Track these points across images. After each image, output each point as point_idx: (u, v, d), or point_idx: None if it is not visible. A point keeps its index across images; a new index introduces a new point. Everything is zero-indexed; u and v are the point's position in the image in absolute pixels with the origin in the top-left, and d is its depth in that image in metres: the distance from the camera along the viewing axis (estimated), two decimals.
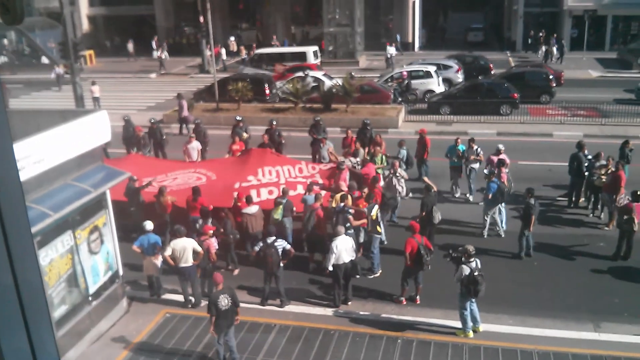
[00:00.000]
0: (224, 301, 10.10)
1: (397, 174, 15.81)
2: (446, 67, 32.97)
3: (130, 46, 48.66)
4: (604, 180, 15.53)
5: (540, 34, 43.70)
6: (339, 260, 11.89)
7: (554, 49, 41.16)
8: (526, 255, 14.05)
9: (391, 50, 40.14)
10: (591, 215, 16.34)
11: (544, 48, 41.65)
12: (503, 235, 15.02)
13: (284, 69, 35.62)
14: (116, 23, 55.32)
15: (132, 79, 41.35)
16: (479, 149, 17.12)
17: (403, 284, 12.27)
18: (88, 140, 11.14)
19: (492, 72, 34.02)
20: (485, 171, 15.75)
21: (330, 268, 11.97)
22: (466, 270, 10.69)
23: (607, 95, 29.69)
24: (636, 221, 13.49)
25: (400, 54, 41.82)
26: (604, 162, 15.91)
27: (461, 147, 17.42)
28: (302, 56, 38.03)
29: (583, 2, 44.41)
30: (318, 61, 38.48)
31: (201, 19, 32.23)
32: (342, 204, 13.46)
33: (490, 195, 14.78)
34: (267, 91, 30.10)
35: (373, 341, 11.07)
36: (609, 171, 15.54)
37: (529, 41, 45.92)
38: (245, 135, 20.43)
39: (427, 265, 11.83)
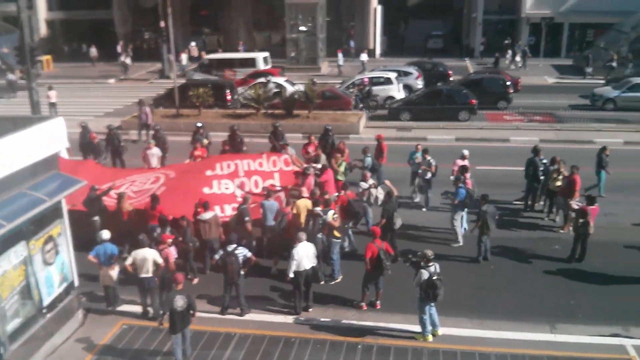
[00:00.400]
0: (179, 302, 10.17)
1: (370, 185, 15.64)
2: (406, 74, 33.33)
3: (93, 51, 47.76)
4: (557, 184, 15.91)
5: (506, 41, 44.51)
6: (300, 266, 11.87)
7: (518, 56, 41.99)
8: (484, 259, 14.26)
9: (341, 59, 41.50)
10: (546, 218, 16.71)
11: (510, 54, 42.46)
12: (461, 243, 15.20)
13: (233, 75, 35.95)
14: (74, 28, 54.36)
15: (90, 85, 40.61)
16: (431, 160, 17.22)
17: (364, 289, 12.34)
18: (43, 147, 10.89)
19: (451, 79, 34.58)
20: (452, 177, 15.90)
21: (291, 275, 11.94)
22: (425, 274, 10.81)
23: (562, 101, 30.54)
24: (591, 224, 13.85)
25: (361, 62, 42.12)
26: (556, 166, 16.30)
27: (420, 153, 17.63)
28: (252, 62, 38.06)
29: (540, 9, 45.54)
30: (268, 67, 38.51)
31: (162, 23, 31.88)
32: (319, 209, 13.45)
33: (457, 201, 14.88)
34: (229, 97, 29.97)
35: (334, 348, 11.09)
36: (562, 175, 15.94)
37: (481, 48, 46.83)
38: (205, 141, 20.26)
39: (387, 270, 11.90)
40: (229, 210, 14.68)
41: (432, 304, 11.09)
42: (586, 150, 22.56)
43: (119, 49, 45.85)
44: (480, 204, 14.18)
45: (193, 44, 47.95)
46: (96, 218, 14.40)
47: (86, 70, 45.44)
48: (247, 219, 13.75)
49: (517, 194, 17.82)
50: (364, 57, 41.46)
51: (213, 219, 13.65)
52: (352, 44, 47.85)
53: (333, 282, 13.45)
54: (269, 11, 53.21)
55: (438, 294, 10.78)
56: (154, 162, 18.86)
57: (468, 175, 15.93)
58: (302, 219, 13.57)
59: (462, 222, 15.39)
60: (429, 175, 17.12)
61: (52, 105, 29.26)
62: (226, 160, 16.48)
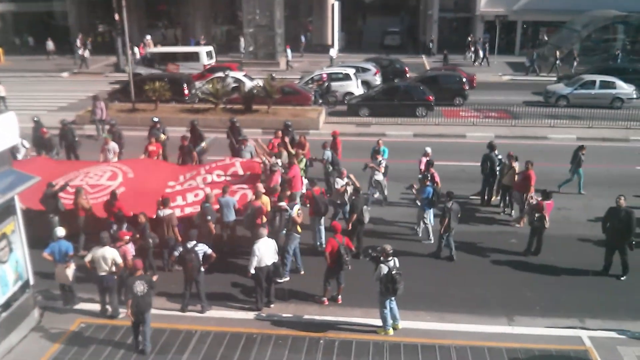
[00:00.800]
0: (140, 287, 10.41)
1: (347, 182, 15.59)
2: (364, 70, 33.53)
3: (49, 44, 46.40)
4: (515, 179, 16.25)
5: (469, 38, 45.32)
6: (261, 262, 11.83)
7: (480, 52, 42.79)
8: (449, 259, 14.27)
9: (289, 54, 41.69)
10: (502, 213, 17.06)
11: (472, 50, 43.33)
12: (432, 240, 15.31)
13: (176, 69, 35.83)
14: (26, 20, 52.81)
15: (43, 78, 39.52)
16: (381, 161, 17.28)
17: (325, 284, 12.39)
18: None
19: (408, 75, 34.93)
20: (420, 176, 15.96)
21: (253, 271, 11.89)
22: (384, 269, 10.90)
23: (517, 98, 31.20)
24: (547, 218, 14.20)
25: (329, 57, 42.24)
26: (505, 161, 16.69)
27: (384, 149, 17.75)
28: (195, 56, 37.85)
29: (494, 7, 46.39)
30: (212, 62, 38.38)
31: (116, 16, 31.19)
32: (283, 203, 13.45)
33: (424, 199, 14.94)
34: (186, 91, 29.59)
35: (296, 343, 11.08)
36: (512, 170, 16.35)
37: (431, 45, 47.59)
38: (163, 136, 19.95)
39: (347, 265, 11.99)
40: (191, 202, 14.57)
41: (393, 298, 11.20)
42: (540, 145, 23.20)
43: (78, 42, 44.60)
44: (445, 200, 14.28)
45: (148, 37, 47.12)
46: (53, 215, 14.02)
47: (39, 64, 44.22)
48: (209, 217, 13.62)
49: (473, 189, 18.13)
50: (332, 52, 42.13)
51: (170, 217, 13.44)
52: (303, 39, 47.86)
53: (282, 280, 13.29)
54: (227, 5, 52.80)
55: (397, 288, 10.89)
56: (110, 157, 18.47)
57: (433, 170, 16.10)
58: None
59: (430, 220, 15.46)
60: (379, 176, 17.11)
61: (2, 99, 28.38)
62: (190, 171, 16.43)
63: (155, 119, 20.83)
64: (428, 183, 15.13)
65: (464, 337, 11.25)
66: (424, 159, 17.04)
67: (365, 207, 14.35)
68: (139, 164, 16.94)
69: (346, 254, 11.90)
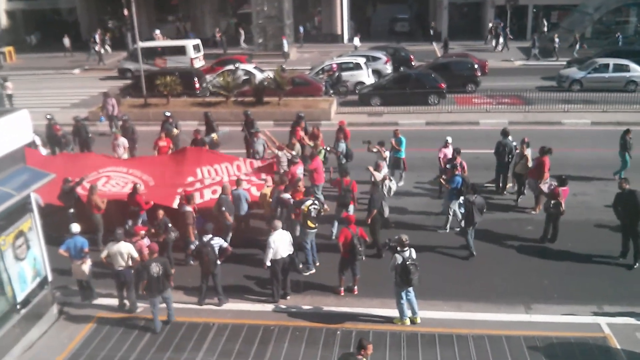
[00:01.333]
0: (155, 268, 10.98)
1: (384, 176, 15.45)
2: (375, 59, 33.34)
3: (66, 41, 46.49)
4: (529, 166, 16.09)
5: (491, 25, 44.75)
6: (276, 255, 11.85)
7: (501, 38, 42.27)
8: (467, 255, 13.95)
9: (285, 45, 41.08)
10: (516, 201, 16.84)
11: (493, 35, 42.92)
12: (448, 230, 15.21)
13: (164, 63, 35.83)
14: (35, 17, 53.07)
15: (55, 75, 39.71)
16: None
17: (340, 274, 12.39)
18: (9, 141, 10.61)
19: (413, 64, 34.66)
20: (448, 165, 15.70)
21: (268, 263, 11.91)
22: (399, 259, 10.85)
23: (529, 83, 30.92)
24: (563, 205, 14.07)
25: (354, 46, 42.18)
26: (519, 151, 16.49)
27: (402, 138, 17.65)
28: (182, 50, 37.26)
29: None
30: (200, 54, 38.19)
31: (125, 11, 31.23)
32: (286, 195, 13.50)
33: (452, 188, 14.72)
34: (197, 85, 29.61)
35: (313, 334, 11.10)
36: (524, 159, 16.15)
37: (431, 32, 47.32)
38: (175, 130, 20.00)
39: (361, 256, 11.98)
40: (208, 199, 14.67)
41: (411, 290, 11.14)
42: (554, 131, 22.98)
43: (96, 38, 44.75)
44: (468, 193, 13.88)
45: (157, 31, 47.22)
46: (71, 210, 14.13)
47: (50, 61, 44.41)
48: (223, 208, 13.65)
49: (488, 176, 18.00)
50: (356, 41, 42.16)
51: (187, 214, 13.46)
52: (301, 29, 47.65)
53: (307, 273, 13.41)
54: None
55: (412, 279, 10.82)
56: (120, 152, 18.56)
57: (460, 159, 15.90)
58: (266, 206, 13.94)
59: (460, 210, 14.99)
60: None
61: (9, 97, 28.54)
62: (205, 164, 16.35)
63: (168, 114, 20.88)
64: (458, 172, 14.89)
65: (482, 326, 11.20)
66: (445, 150, 16.89)
67: (383, 201, 14.11)
68: (156, 167, 16.82)
69: (359, 244, 11.88)
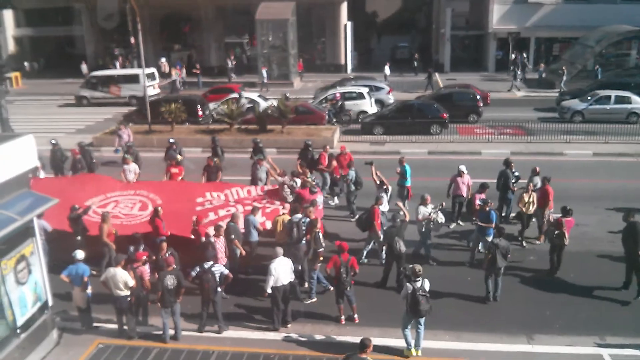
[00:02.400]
0: (170, 280, 11.42)
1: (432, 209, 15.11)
2: (378, 89, 33.69)
3: (84, 67, 47.05)
4: (529, 207, 15.84)
5: (513, 56, 44.90)
6: (277, 282, 11.82)
7: (518, 71, 42.04)
8: (493, 299, 13.22)
9: (265, 75, 41.43)
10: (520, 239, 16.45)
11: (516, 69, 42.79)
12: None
13: (118, 91, 36.90)
14: (42, 44, 53.80)
15: (60, 101, 40.05)
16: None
17: (338, 304, 12.30)
18: (14, 165, 10.71)
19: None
20: (479, 201, 15.35)
21: (269, 290, 11.88)
22: (409, 288, 10.76)
23: (531, 114, 31.10)
24: (567, 235, 14.03)
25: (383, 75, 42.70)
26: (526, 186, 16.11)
27: (406, 167, 17.74)
28: (135, 78, 36.72)
29: (507, 25, 46.55)
30: (155, 83, 38.34)
31: (132, 39, 31.68)
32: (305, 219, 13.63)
33: (493, 224, 14.41)
34: (200, 112, 29.86)
35: None
36: (532, 198, 15.82)
37: (415, 63, 47.86)
38: (179, 157, 20.12)
39: (346, 286, 11.91)
40: (223, 215, 14.91)
41: (421, 321, 11.01)
42: (556, 161, 23.05)
43: (117, 64, 45.41)
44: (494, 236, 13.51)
45: (163, 60, 47.80)
46: (79, 238, 14.17)
47: (56, 87, 44.80)
48: (232, 236, 13.67)
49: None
50: (387, 70, 42.63)
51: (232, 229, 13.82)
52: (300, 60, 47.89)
53: (309, 302, 13.31)
54: (241, 27, 53.40)
55: (420, 310, 10.72)
56: (131, 177, 18.66)
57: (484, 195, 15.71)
58: (280, 233, 13.86)
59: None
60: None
61: (5, 120, 28.68)
62: (215, 190, 16.57)
63: (172, 140, 21.02)
64: (489, 207, 14.64)
65: (483, 356, 11.12)
66: (460, 180, 16.99)
67: (397, 237, 13.49)
68: (163, 188, 17.13)
69: (346, 273, 11.79)
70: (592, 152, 24.17)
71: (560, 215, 14.36)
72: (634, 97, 30.07)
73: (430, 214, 14.66)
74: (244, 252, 14.00)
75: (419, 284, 10.81)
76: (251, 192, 16.74)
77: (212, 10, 49.97)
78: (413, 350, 11.18)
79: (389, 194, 16.26)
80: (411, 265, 11.23)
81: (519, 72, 41.78)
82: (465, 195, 17.06)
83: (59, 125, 31.95)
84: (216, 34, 51.47)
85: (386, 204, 15.68)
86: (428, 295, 10.85)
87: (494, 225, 14.37)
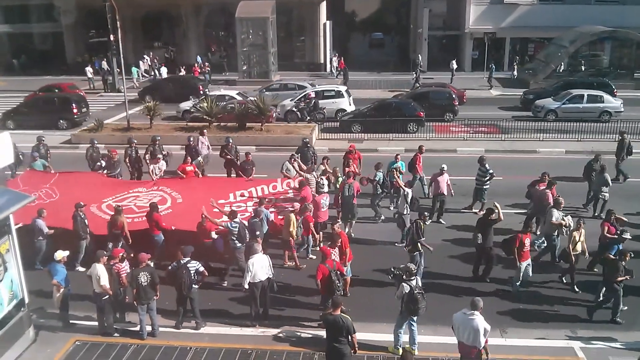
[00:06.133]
0: (143, 277, 11.45)
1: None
2: (301, 87, 34.49)
3: (89, 70, 45.55)
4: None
5: (517, 57, 46.29)
6: (255, 278, 11.89)
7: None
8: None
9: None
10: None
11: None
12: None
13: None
14: (22, 41, 53.33)
15: None
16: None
17: (324, 306, 12.01)
18: None
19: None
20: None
21: (246, 286, 11.95)
22: (406, 288, 10.75)
23: (506, 113, 31.54)
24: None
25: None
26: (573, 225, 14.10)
27: (401, 163, 17.96)
28: None
29: (483, 25, 47.07)
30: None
31: (112, 37, 31.47)
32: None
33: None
34: (75, 110, 30.27)
35: (291, 358, 11.12)
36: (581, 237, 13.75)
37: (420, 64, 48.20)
38: (164, 153, 19.98)
39: (339, 291, 11.71)
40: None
41: (414, 319, 11.07)
42: (529, 159, 23.46)
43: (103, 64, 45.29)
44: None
45: (146, 57, 47.70)
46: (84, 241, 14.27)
47: (35, 83, 44.17)
48: (257, 233, 13.71)
49: (465, 202, 18.34)
50: (453, 64, 43.19)
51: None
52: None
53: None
54: (221, 26, 53.27)
55: (419, 308, 10.76)
56: (157, 173, 18.78)
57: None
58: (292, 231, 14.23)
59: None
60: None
61: None
62: (240, 189, 16.62)
63: (158, 138, 20.90)
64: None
65: (457, 349, 11.28)
66: (441, 179, 17.21)
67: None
68: (186, 187, 17.06)
69: (337, 279, 11.74)
70: (564, 150, 24.61)
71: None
72: (607, 97, 30.74)
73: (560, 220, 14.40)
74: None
75: (414, 282, 10.84)
76: (277, 187, 16.75)
77: (192, 8, 49.86)
78: (401, 350, 11.08)
79: (409, 198, 15.88)
80: (402, 266, 11.29)
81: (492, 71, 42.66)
82: (446, 193, 17.31)
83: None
84: (196, 32, 51.38)
85: (407, 208, 15.69)
86: (423, 292, 10.96)
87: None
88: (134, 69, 43.67)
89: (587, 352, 11.26)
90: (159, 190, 16.63)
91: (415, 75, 41.27)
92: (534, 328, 12.13)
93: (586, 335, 11.88)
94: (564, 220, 14.29)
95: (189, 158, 19.40)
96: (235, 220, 13.64)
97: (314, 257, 14.85)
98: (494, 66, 43.06)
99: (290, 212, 14.74)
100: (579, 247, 13.63)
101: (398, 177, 16.71)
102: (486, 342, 9.74)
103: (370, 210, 17.76)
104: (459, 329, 9.85)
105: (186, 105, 30.97)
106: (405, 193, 15.75)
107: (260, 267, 11.94)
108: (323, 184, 16.55)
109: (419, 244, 13.51)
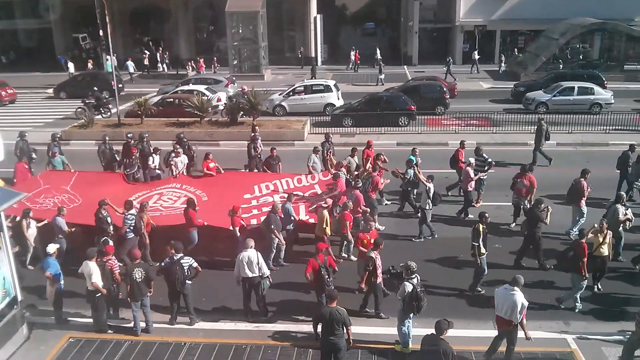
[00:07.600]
0: (138, 273, 11.45)
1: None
2: (217, 82, 34.93)
3: (89, 65, 45.87)
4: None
5: (504, 53, 46.32)
6: (242, 274, 11.87)
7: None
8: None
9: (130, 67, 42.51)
10: (513, 225, 16.90)
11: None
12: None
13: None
14: (11, 37, 52.94)
15: (29, 95, 39.39)
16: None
17: (318, 300, 12.10)
18: None
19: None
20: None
21: (237, 280, 11.99)
22: (409, 286, 10.72)
23: (497, 105, 31.61)
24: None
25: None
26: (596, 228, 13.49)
27: (412, 156, 17.93)
28: None
29: (473, 18, 47.14)
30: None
31: (101, 32, 31.26)
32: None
33: None
34: None
35: (285, 353, 11.16)
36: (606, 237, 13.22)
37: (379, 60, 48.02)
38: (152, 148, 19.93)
39: (329, 287, 11.61)
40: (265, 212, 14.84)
41: (410, 317, 11.03)
42: (521, 151, 23.51)
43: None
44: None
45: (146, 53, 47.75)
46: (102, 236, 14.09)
47: (23, 80, 43.97)
48: (273, 226, 13.79)
49: (461, 195, 18.41)
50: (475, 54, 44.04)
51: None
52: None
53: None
54: (211, 20, 53.10)
55: (422, 306, 10.77)
56: (180, 168, 18.65)
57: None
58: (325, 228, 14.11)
59: None
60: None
61: None
62: (264, 181, 16.64)
63: (146, 134, 20.78)
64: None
65: (450, 341, 11.25)
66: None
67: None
68: (212, 184, 17.04)
69: (328, 274, 11.71)
70: (555, 142, 24.72)
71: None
72: (597, 89, 30.87)
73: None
74: (283, 242, 14.18)
75: (415, 280, 10.82)
76: (302, 180, 16.73)
77: (181, 2, 49.61)
78: (411, 347, 11.13)
79: (431, 193, 15.84)
80: (402, 264, 11.26)
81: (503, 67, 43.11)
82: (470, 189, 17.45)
83: (26, 119, 31.54)
84: (186, 26, 51.14)
85: (429, 203, 15.71)
86: (424, 289, 10.96)
87: None
88: (128, 63, 43.50)
89: (580, 343, 11.36)
90: (182, 189, 16.64)
91: (379, 69, 41.48)
92: (527, 319, 12.10)
93: (579, 326, 11.99)
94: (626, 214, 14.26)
95: (210, 155, 19.00)
96: (130, 212, 13.94)
97: (354, 258, 14.33)
98: (477, 56, 43.77)
99: (323, 208, 14.34)
100: (604, 250, 13.10)
101: (419, 172, 16.68)
102: (523, 316, 10.18)
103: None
104: (498, 303, 10.36)
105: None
106: (427, 188, 15.75)
107: (247, 263, 11.83)
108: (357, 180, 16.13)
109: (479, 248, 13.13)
